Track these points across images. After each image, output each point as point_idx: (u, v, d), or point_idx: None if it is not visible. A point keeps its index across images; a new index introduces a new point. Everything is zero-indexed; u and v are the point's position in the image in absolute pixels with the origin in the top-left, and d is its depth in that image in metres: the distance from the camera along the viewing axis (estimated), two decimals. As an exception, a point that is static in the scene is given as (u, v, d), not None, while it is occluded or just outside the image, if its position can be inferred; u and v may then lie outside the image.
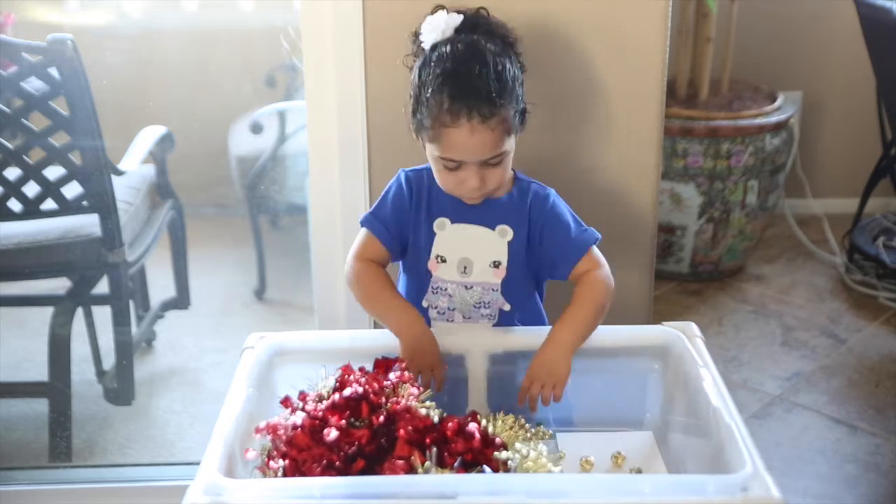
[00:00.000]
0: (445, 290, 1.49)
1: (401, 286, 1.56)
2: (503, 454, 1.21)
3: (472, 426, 1.22)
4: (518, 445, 1.25)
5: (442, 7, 1.43)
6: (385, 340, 1.48)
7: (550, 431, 1.42)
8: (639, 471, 1.38)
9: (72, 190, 2.11)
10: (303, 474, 1.19)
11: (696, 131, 2.82)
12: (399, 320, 1.44)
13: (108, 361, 2.41)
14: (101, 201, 2.12)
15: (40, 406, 2.26)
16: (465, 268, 1.48)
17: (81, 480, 2.10)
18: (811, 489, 2.09)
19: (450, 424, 1.22)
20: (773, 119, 2.87)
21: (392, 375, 1.31)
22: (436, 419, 1.23)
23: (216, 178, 3.10)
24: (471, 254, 1.48)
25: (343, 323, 1.87)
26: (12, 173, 2.08)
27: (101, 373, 2.47)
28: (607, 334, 1.50)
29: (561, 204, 1.51)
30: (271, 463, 1.22)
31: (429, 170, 1.49)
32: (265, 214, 3.09)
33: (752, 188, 2.89)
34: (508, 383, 1.35)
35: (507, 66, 1.39)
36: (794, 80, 3.34)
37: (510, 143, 1.41)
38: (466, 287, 1.49)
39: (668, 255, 2.98)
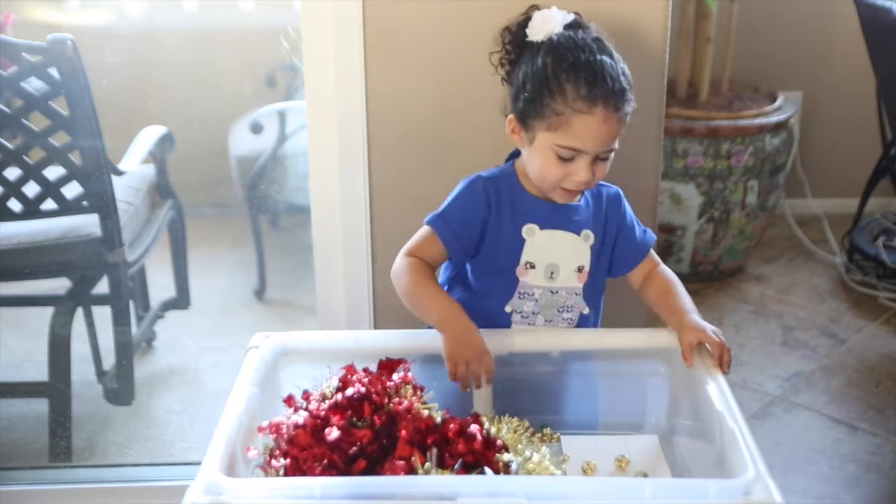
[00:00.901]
0: (532, 294, 1.49)
1: (475, 290, 1.53)
2: (505, 456, 1.21)
3: (474, 428, 1.22)
4: (521, 448, 1.25)
5: (535, 6, 1.46)
6: (390, 341, 1.48)
7: (557, 434, 1.42)
8: (643, 475, 1.37)
9: (72, 190, 2.10)
10: (304, 473, 1.19)
11: (696, 131, 2.82)
12: (441, 311, 1.42)
13: (108, 361, 2.41)
14: (101, 201, 2.12)
15: (40, 406, 2.26)
16: (552, 273, 1.49)
17: (81, 480, 2.10)
18: (811, 489, 2.09)
19: (451, 426, 1.22)
20: (773, 119, 2.87)
21: (395, 376, 1.31)
22: (438, 420, 1.23)
23: (216, 178, 3.10)
24: (558, 259, 1.49)
25: (344, 323, 1.87)
26: (12, 173, 2.07)
27: (101, 373, 2.47)
28: (613, 337, 1.50)
29: (627, 202, 1.55)
30: (273, 462, 1.22)
31: (510, 175, 1.49)
32: (265, 214, 3.09)
33: (752, 188, 2.89)
34: (514, 385, 1.35)
35: (625, 65, 1.43)
36: (794, 80, 3.34)
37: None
38: (552, 292, 1.50)
39: (668, 255, 2.98)
